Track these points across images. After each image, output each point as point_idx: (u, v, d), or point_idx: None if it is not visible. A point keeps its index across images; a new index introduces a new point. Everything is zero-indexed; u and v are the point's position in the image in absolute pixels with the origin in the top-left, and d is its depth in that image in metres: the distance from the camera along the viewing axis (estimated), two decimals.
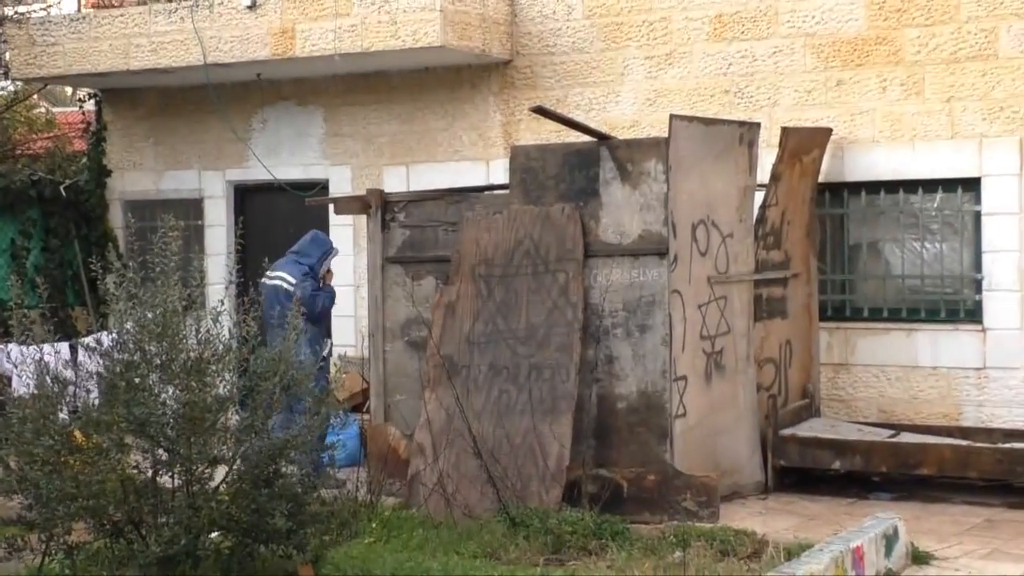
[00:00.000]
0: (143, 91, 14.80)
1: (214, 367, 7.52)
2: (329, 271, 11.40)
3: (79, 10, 16.32)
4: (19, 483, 7.42)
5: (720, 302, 10.17)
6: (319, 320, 11.15)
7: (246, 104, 14.17)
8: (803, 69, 11.58)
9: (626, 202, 9.68)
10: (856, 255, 11.64)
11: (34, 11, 15.18)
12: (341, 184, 13.65)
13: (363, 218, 11.52)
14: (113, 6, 14.68)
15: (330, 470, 8.31)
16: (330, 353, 11.24)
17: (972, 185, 11.06)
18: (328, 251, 11.37)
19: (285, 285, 10.99)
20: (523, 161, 10.12)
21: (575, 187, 9.86)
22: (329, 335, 11.36)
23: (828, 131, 11.30)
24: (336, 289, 11.59)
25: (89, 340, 7.83)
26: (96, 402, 7.53)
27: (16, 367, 8.00)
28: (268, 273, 11.06)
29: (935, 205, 11.27)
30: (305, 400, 7.88)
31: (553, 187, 9.94)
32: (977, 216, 11.05)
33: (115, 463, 7.26)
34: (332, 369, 10.28)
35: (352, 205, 11.28)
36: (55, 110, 20.20)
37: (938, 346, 11.09)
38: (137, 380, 7.34)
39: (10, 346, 12.16)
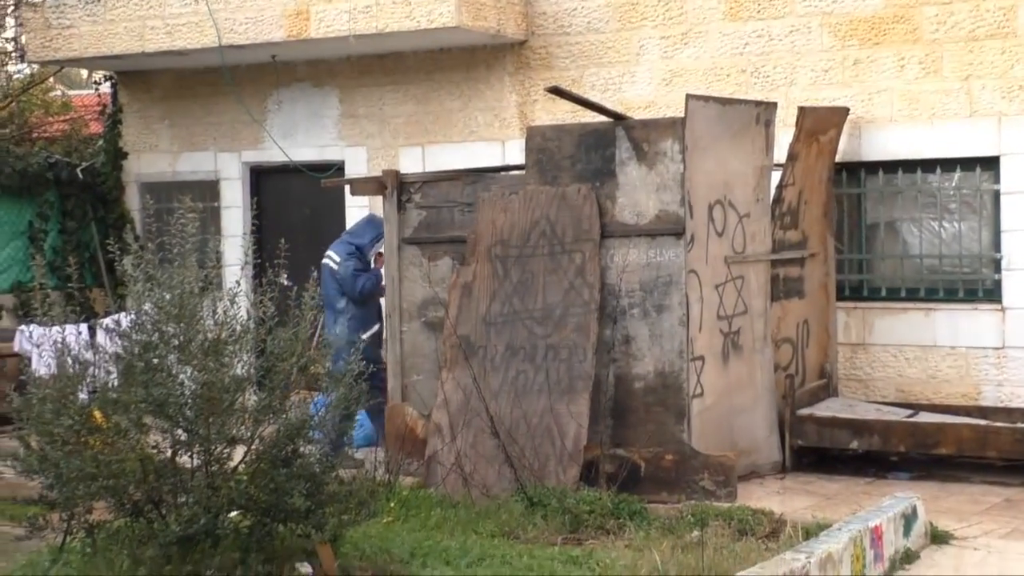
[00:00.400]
0: (158, 73, 14.81)
1: (231, 348, 7.52)
2: (380, 254, 11.32)
3: None
4: (40, 463, 7.45)
5: (737, 282, 10.16)
6: (362, 302, 11.13)
7: (261, 86, 14.18)
8: (820, 48, 11.53)
9: (642, 182, 9.66)
10: (873, 235, 11.61)
11: None
12: (357, 165, 13.65)
13: (379, 199, 11.51)
14: None
15: (348, 450, 8.32)
16: (381, 336, 11.18)
17: (991, 164, 11.02)
18: (382, 234, 11.27)
19: (331, 264, 11.09)
20: (539, 141, 10.11)
21: (591, 167, 9.84)
22: (380, 319, 11.31)
23: (845, 110, 11.26)
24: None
25: (107, 321, 7.85)
26: (115, 382, 7.56)
27: (37, 347, 8.02)
28: (326, 252, 11.21)
29: (953, 184, 11.22)
30: (322, 379, 7.90)
31: (569, 167, 9.93)
32: (996, 195, 11.01)
33: (134, 443, 7.28)
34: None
35: (368, 186, 11.28)
36: (71, 93, 20.26)
37: (957, 325, 11.06)
38: (155, 361, 7.36)
39: (30, 327, 12.24)
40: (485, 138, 13.03)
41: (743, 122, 10.18)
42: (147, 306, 7.51)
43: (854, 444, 10.32)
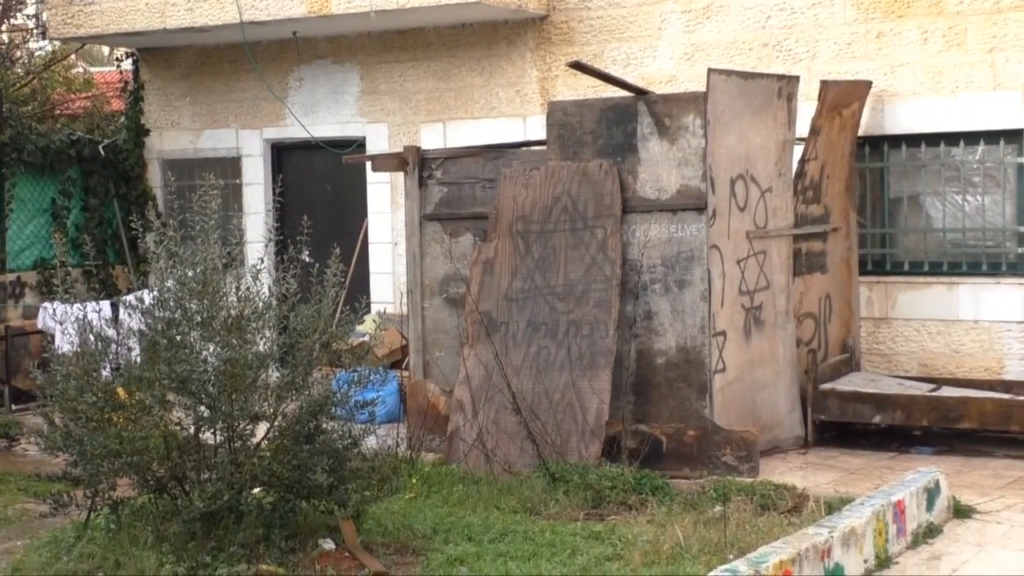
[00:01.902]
0: (180, 50, 14.82)
1: (254, 324, 7.56)
2: None
3: None
4: (64, 439, 7.49)
5: (759, 257, 10.13)
6: None
7: (282, 62, 14.17)
8: (843, 21, 11.46)
9: (664, 157, 9.64)
10: (896, 209, 11.56)
11: None
12: (378, 142, 13.64)
13: (400, 175, 11.51)
14: None
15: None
16: None
17: (1014, 137, 10.94)
18: None
19: None
20: (560, 117, 10.08)
21: (612, 142, 9.82)
22: None
23: (868, 84, 11.20)
24: (375, 247, 11.56)
25: (130, 298, 7.88)
26: (138, 359, 7.59)
27: (60, 324, 8.05)
28: None
29: (977, 157, 11.16)
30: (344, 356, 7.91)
31: (590, 143, 9.91)
32: (1020, 168, 10.94)
33: (158, 420, 7.31)
34: (371, 325, 10.31)
35: (389, 162, 11.28)
36: (93, 70, 20.29)
37: (980, 299, 11.01)
38: (178, 338, 7.39)
39: (54, 304, 12.29)
40: (506, 114, 13.01)
41: (765, 96, 10.14)
42: (170, 283, 7.54)
43: (877, 419, 10.30)
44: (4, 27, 18.50)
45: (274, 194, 13.26)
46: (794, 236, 10.53)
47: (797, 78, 10.55)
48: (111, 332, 7.72)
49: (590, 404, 9.49)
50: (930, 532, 7.77)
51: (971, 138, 11.12)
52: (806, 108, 10.70)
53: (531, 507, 8.65)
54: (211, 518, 7.33)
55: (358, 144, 13.75)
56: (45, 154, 14.52)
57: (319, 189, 14.18)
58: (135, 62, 15.41)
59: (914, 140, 11.34)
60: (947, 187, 11.29)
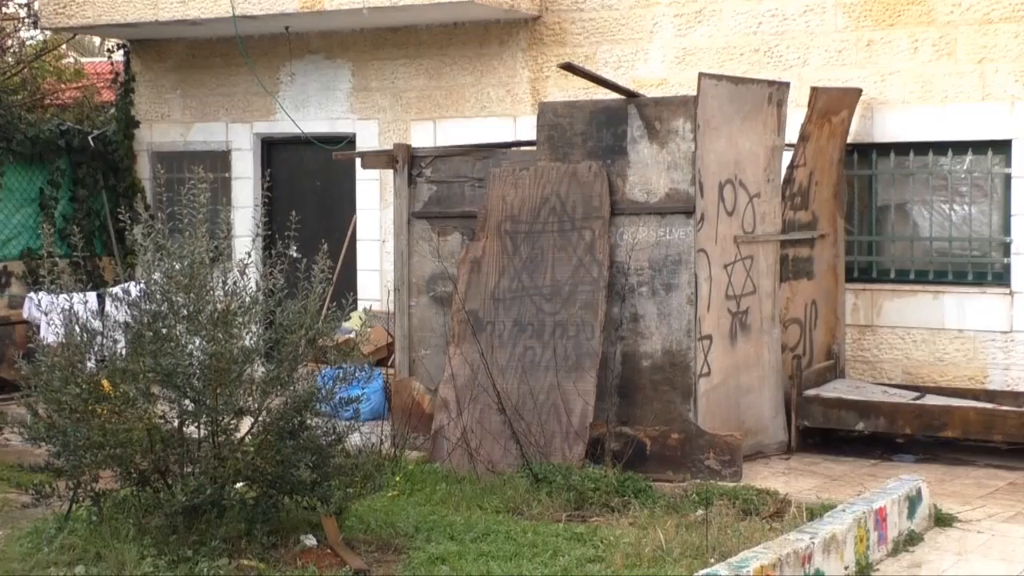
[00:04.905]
0: (171, 42, 14.80)
1: (240, 319, 7.55)
2: None
3: None
4: (47, 430, 7.48)
5: (746, 262, 10.15)
6: None
7: (274, 57, 14.16)
8: (834, 28, 11.48)
9: (653, 160, 9.65)
10: (884, 216, 11.58)
11: None
12: (368, 138, 13.64)
13: (390, 173, 11.51)
14: None
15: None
16: None
17: (1002, 147, 10.98)
18: None
19: None
20: (551, 118, 10.09)
21: (602, 145, 9.83)
22: None
23: (858, 91, 11.22)
24: (363, 244, 11.54)
25: (117, 290, 7.87)
26: (123, 352, 7.58)
27: (45, 315, 8.04)
28: None
29: (964, 167, 11.19)
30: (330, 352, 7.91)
31: (580, 144, 9.92)
32: (1007, 178, 10.97)
33: (142, 412, 7.31)
34: (358, 322, 10.30)
35: (379, 160, 11.28)
36: (83, 60, 20.22)
37: (965, 309, 11.04)
38: (164, 331, 7.39)
39: (39, 294, 12.25)
40: (497, 114, 13.02)
41: (755, 102, 10.16)
42: (157, 275, 7.53)
43: (860, 426, 10.32)
44: None
45: (263, 189, 13.22)
46: (781, 242, 10.55)
47: (787, 84, 10.57)
48: (97, 324, 7.71)
49: (575, 405, 9.50)
50: (911, 540, 7.79)
51: (959, 148, 11.15)
52: (796, 115, 10.72)
53: (514, 507, 8.65)
54: (193, 512, 7.32)
55: (348, 140, 13.74)
56: (34, 144, 14.49)
57: (308, 185, 14.17)
58: (126, 53, 15.39)
59: (903, 148, 11.37)
60: (934, 196, 11.32)
